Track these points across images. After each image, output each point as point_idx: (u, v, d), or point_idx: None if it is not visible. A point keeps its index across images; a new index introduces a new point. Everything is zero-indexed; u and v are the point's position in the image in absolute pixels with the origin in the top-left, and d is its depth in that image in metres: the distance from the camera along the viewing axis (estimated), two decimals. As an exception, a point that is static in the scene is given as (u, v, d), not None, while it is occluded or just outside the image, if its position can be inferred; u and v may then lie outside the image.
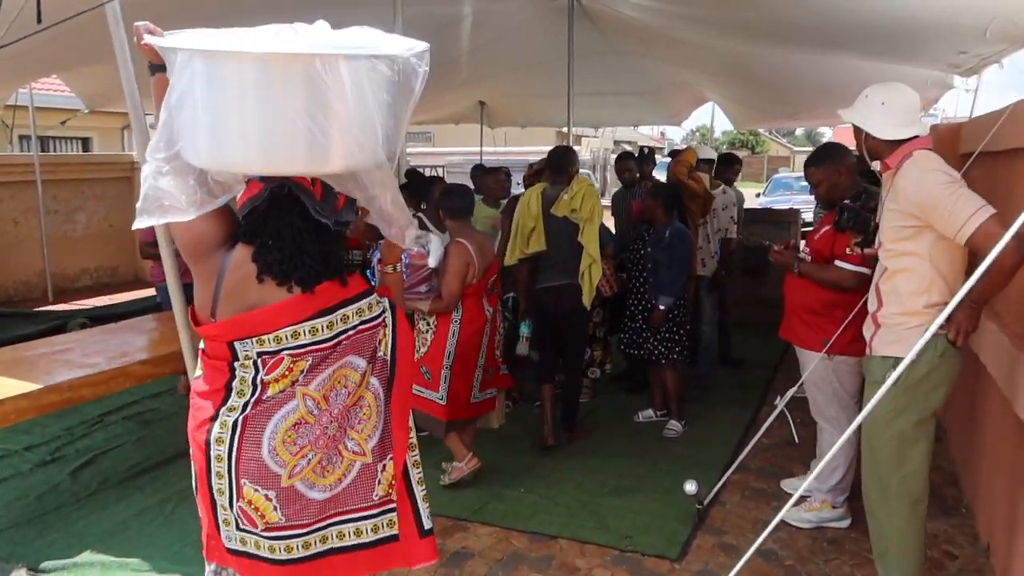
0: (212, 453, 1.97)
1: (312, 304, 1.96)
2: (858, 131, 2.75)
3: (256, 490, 1.97)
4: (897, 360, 2.43)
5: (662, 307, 4.53)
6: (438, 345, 3.89)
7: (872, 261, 2.89)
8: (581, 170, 4.95)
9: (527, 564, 3.29)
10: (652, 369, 4.93)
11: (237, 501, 1.98)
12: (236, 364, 1.97)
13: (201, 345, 2.06)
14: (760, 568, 3.24)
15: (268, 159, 1.78)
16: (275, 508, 1.98)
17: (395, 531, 2.13)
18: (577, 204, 4.26)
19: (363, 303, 2.04)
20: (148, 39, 1.83)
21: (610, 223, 5.79)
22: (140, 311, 8.13)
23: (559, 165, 4.46)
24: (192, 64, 1.71)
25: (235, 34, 1.76)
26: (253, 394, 1.97)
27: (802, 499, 3.71)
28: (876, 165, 2.81)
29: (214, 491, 1.99)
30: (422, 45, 1.85)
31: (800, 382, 3.46)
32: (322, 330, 1.97)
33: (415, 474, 2.18)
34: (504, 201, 5.40)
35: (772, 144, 52.87)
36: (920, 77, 7.36)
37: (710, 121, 14.05)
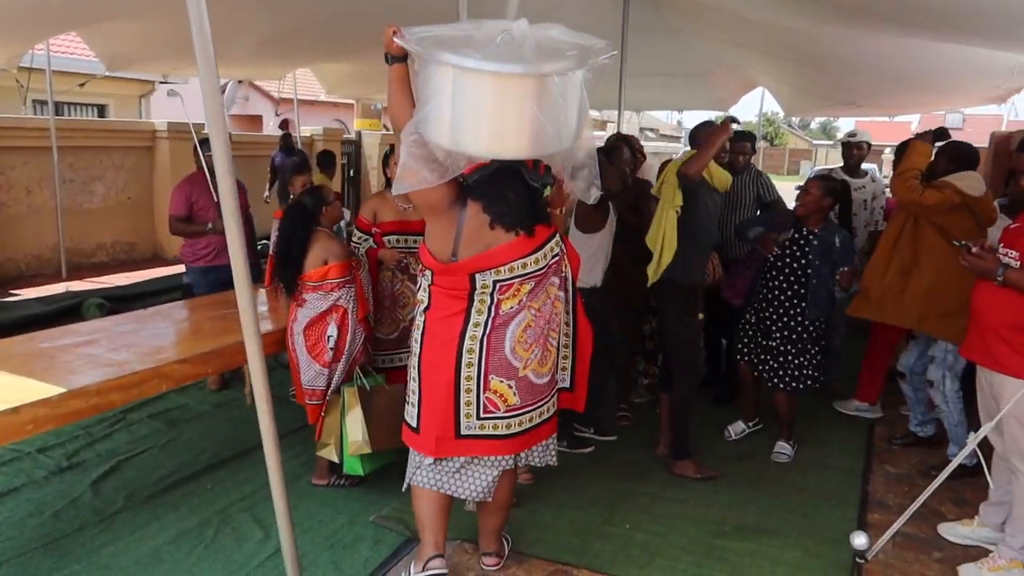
0: (463, 361, 2.62)
1: (531, 243, 2.61)
2: None
3: (501, 381, 2.64)
4: None
5: (808, 323, 3.90)
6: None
7: None
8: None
9: (660, 630, 2.67)
10: (748, 375, 4.27)
11: (484, 392, 2.64)
12: (475, 293, 2.61)
13: (427, 282, 2.70)
14: (954, 648, 2.61)
15: (499, 147, 2.32)
16: (514, 393, 2.66)
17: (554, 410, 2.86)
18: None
19: (554, 241, 2.68)
20: (398, 41, 2.36)
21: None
22: (162, 292, 7.57)
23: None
24: (444, 70, 2.19)
25: (467, 36, 2.22)
26: (491, 313, 2.61)
27: (981, 553, 3.09)
28: None
29: (461, 390, 2.63)
30: (605, 45, 2.31)
31: (999, 416, 2.80)
32: (539, 261, 2.63)
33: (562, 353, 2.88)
34: None
35: (791, 137, 51.90)
36: (1007, 63, 6.71)
37: (759, 108, 13.29)
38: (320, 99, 12.38)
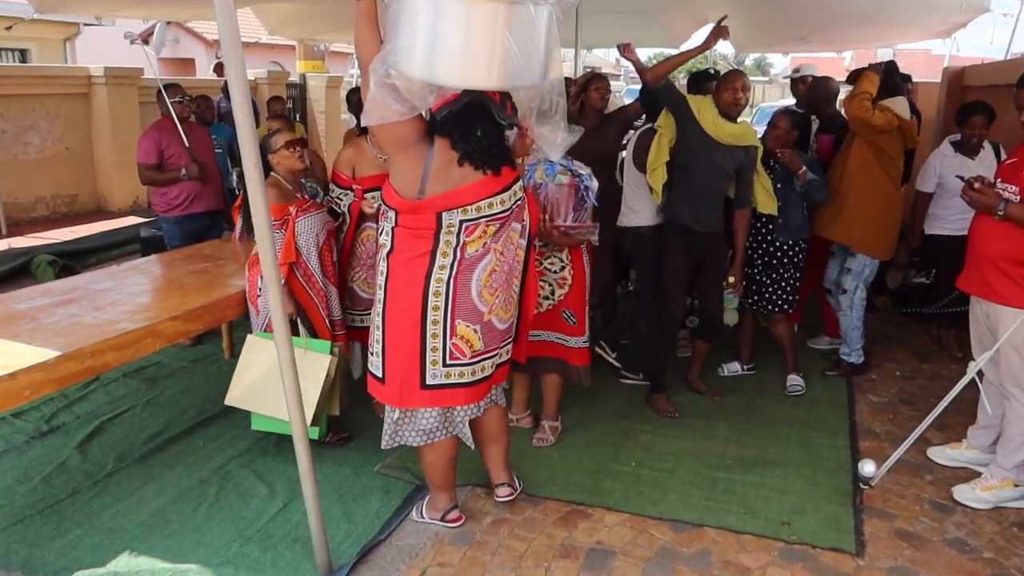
0: (430, 304, 2.57)
1: (499, 183, 2.59)
2: None
3: (468, 326, 2.61)
4: None
5: (783, 245, 4.08)
6: (580, 282, 3.42)
7: None
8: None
9: (683, 563, 2.73)
10: (746, 322, 4.36)
11: (451, 338, 2.60)
12: (440, 232, 2.55)
13: (390, 224, 2.62)
14: (958, 564, 2.74)
15: (471, 76, 2.25)
16: (480, 338, 2.65)
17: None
18: None
19: (518, 185, 2.66)
20: None
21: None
22: (115, 246, 7.26)
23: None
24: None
25: None
26: (456, 256, 2.56)
27: (970, 474, 3.25)
28: None
29: (428, 335, 2.59)
30: None
31: (997, 345, 2.91)
32: (504, 202, 2.60)
33: None
34: None
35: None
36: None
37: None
38: (261, 41, 11.85)
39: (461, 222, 2.54)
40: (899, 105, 4.22)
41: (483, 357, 2.68)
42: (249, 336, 3.38)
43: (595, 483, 3.26)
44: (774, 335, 4.30)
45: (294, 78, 13.09)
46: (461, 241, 2.55)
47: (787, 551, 2.79)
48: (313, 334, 3.39)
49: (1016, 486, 3.06)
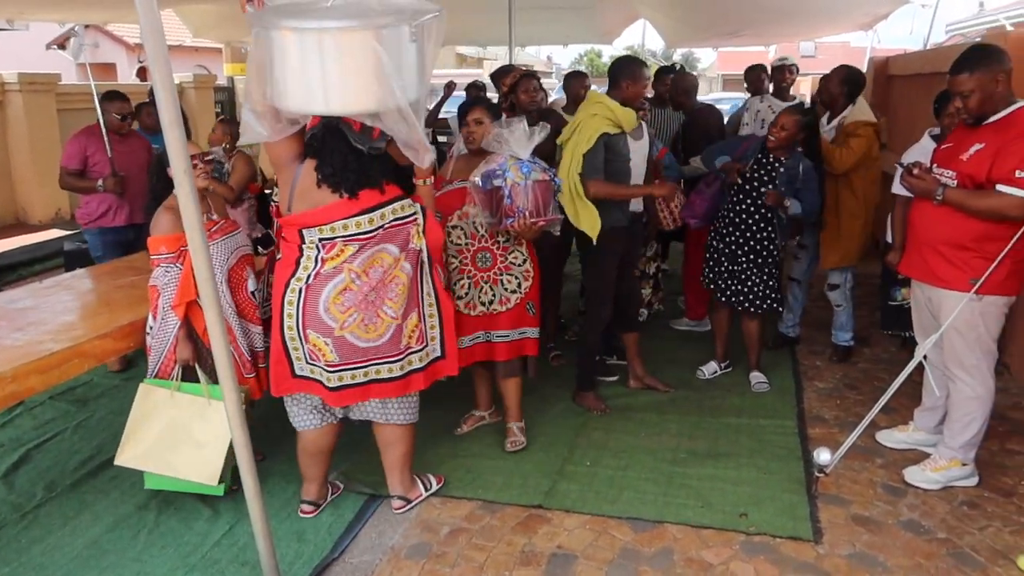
0: (285, 310, 2.75)
1: (355, 206, 2.69)
2: None
3: (318, 336, 2.74)
4: None
5: (788, 204, 3.93)
6: (538, 273, 3.44)
7: None
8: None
9: (646, 563, 2.69)
10: (719, 315, 4.32)
11: (305, 343, 2.76)
12: (304, 246, 2.72)
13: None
14: (915, 545, 2.77)
15: (306, 103, 2.39)
16: (332, 350, 2.75)
17: (416, 366, 2.90)
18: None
19: (392, 207, 2.74)
20: (248, 9, 2.42)
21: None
22: (36, 261, 6.92)
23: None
24: (265, 33, 2.32)
25: (301, 4, 2.36)
26: (314, 269, 2.71)
27: (918, 456, 3.30)
28: None
29: (286, 338, 2.77)
30: (435, 8, 2.36)
31: (942, 330, 2.95)
32: (365, 224, 2.70)
33: (429, 323, 2.92)
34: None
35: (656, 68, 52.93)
36: None
37: (641, 41, 13.38)
38: (185, 43, 11.46)
39: (320, 240, 2.70)
40: (864, 109, 4.23)
41: (340, 368, 2.77)
42: (142, 385, 3.07)
43: (552, 485, 3.21)
44: (745, 331, 4.21)
45: (222, 81, 12.72)
46: (320, 257, 2.71)
47: (748, 544, 2.79)
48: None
49: (964, 465, 3.12)
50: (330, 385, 2.79)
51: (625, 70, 3.70)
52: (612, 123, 3.59)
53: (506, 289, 3.36)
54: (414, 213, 2.79)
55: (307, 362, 2.80)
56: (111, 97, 4.69)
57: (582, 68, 38.10)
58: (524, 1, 7.03)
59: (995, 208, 2.76)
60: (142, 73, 10.37)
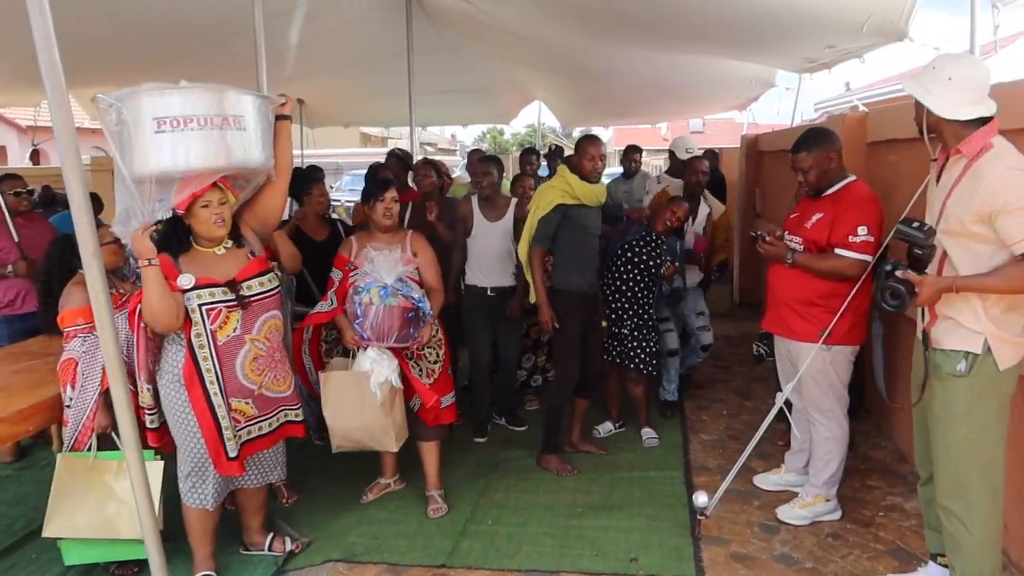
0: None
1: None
2: (919, 107, 2.54)
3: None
4: (967, 353, 2.42)
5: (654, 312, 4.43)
6: (448, 346, 3.76)
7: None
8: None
9: (543, 610, 2.86)
10: (610, 379, 4.59)
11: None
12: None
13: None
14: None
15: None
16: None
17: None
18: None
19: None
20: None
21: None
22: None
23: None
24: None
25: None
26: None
27: (791, 496, 3.60)
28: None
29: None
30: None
31: (798, 376, 3.29)
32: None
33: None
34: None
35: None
36: (745, 75, 7.78)
37: (537, 120, 14.07)
38: (84, 126, 11.37)
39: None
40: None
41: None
42: (60, 456, 3.09)
43: (454, 545, 3.34)
44: (632, 394, 4.50)
45: (119, 163, 12.55)
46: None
47: (636, 586, 2.99)
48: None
49: (827, 501, 3.44)
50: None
51: (577, 146, 4.07)
52: (568, 194, 3.89)
53: (428, 361, 3.59)
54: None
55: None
56: (2, 178, 4.68)
57: (485, 146, 38.73)
58: (424, 85, 7.39)
59: (835, 269, 3.16)
60: (35, 156, 10.17)
